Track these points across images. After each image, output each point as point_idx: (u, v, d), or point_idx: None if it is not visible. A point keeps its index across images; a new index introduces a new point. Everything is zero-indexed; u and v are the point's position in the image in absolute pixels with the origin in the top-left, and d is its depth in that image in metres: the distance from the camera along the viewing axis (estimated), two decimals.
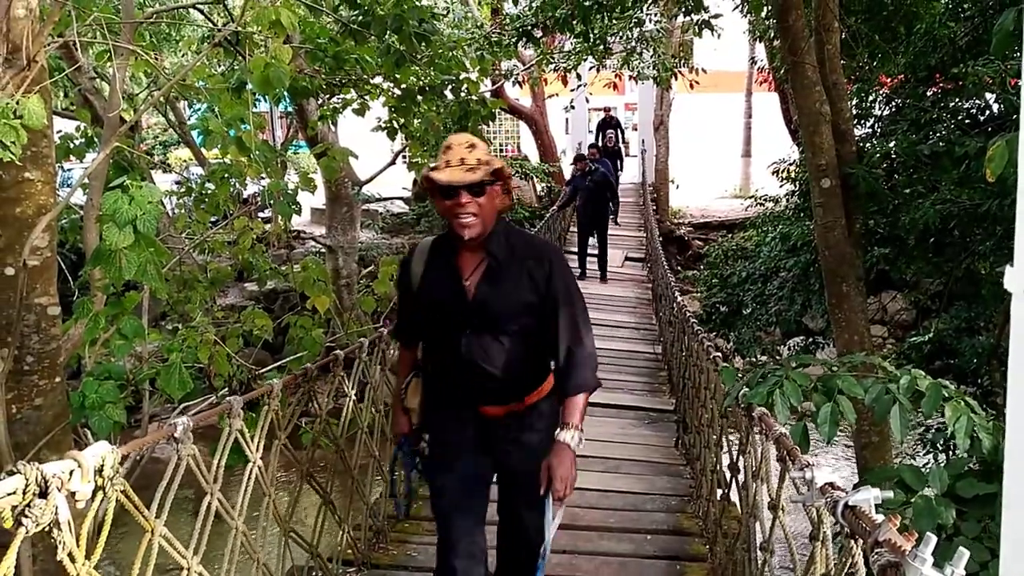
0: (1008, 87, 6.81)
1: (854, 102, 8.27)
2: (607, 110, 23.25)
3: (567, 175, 21.80)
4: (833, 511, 2.16)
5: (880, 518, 1.97)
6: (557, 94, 20.46)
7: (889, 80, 9.06)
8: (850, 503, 2.09)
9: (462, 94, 6.76)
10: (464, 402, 2.98)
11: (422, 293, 3.00)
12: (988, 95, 7.60)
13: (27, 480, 1.79)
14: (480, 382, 2.88)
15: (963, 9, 8.14)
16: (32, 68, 3.67)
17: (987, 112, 7.76)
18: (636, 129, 25.46)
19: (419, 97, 6.64)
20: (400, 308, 3.22)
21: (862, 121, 8.62)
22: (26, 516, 1.78)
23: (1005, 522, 1.06)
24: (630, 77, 16.53)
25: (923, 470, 3.44)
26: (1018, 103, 6.55)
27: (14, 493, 1.76)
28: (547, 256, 2.93)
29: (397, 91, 6.69)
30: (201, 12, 8.94)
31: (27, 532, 1.78)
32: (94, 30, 5.17)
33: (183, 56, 15.73)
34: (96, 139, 6.02)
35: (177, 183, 9.49)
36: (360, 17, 5.98)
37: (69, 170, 14.50)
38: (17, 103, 3.27)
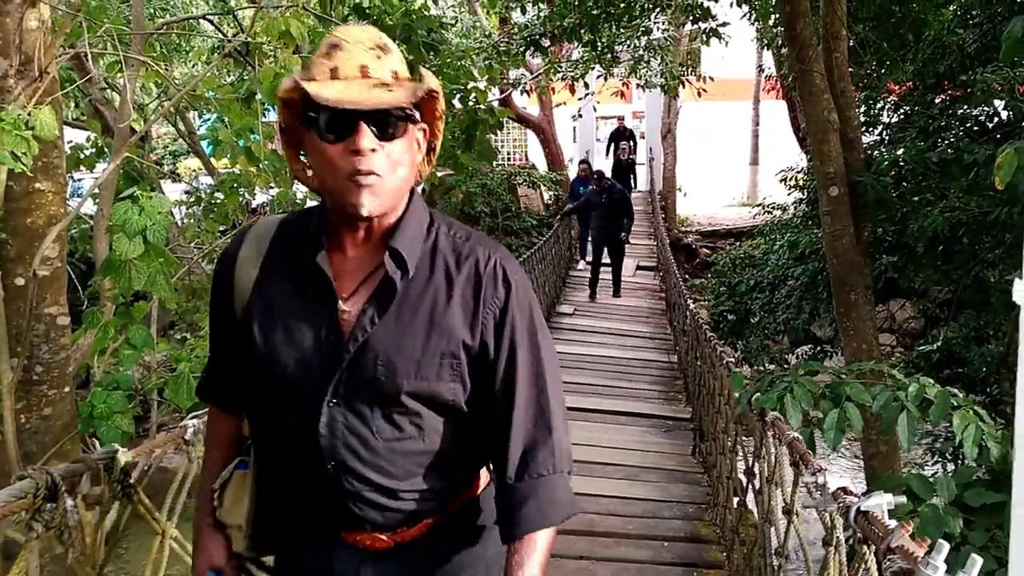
0: (1017, 94, 6.81)
1: (862, 109, 8.28)
2: (619, 119, 22.31)
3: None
4: (846, 516, 2.18)
5: (893, 524, 1.98)
6: (565, 103, 20.44)
7: (897, 87, 9.07)
8: (862, 508, 2.11)
9: (470, 103, 6.78)
10: (324, 527, 1.65)
11: (252, 320, 1.62)
12: (997, 102, 7.60)
13: (37, 484, 1.82)
14: (349, 498, 1.57)
15: (972, 16, 8.14)
16: (44, 79, 3.75)
17: (996, 119, 7.74)
18: (644, 137, 25.32)
19: None
20: (212, 343, 1.81)
21: (870, 129, 8.63)
22: (36, 520, 1.81)
23: (1014, 532, 1.08)
24: (637, 85, 16.56)
25: (931, 479, 3.44)
26: None
27: (25, 497, 1.79)
28: (501, 271, 1.61)
29: None
30: (211, 23, 9.01)
31: (37, 535, 1.81)
32: (105, 41, 5.20)
33: (193, 67, 15.81)
34: (107, 149, 6.08)
35: (186, 193, 9.54)
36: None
37: (79, 180, 14.56)
38: (29, 114, 3.29)
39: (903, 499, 2.25)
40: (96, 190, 5.00)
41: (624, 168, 19.59)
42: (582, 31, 9.04)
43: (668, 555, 4.80)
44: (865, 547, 2.09)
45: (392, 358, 1.53)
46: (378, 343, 1.53)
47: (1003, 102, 7.44)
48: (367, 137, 1.44)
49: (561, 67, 14.23)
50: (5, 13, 3.70)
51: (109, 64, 6.76)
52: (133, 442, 4.38)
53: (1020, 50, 3.77)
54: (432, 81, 1.55)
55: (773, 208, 14.31)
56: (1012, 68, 6.50)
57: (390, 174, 1.49)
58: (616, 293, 13.69)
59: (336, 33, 1.53)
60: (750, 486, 4.08)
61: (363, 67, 1.47)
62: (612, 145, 20.93)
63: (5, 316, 3.84)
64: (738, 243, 19.23)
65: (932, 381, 3.42)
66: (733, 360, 5.04)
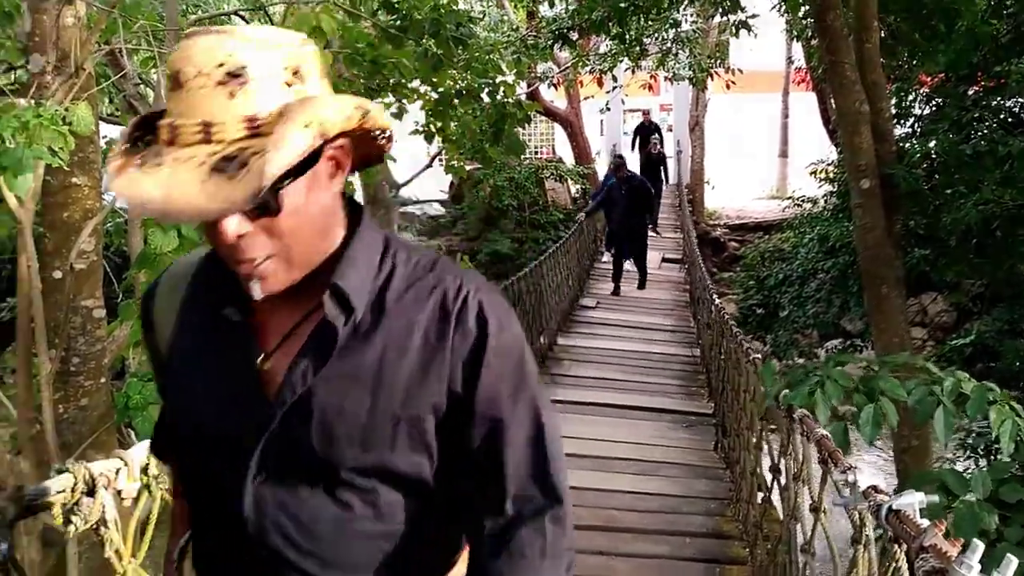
0: None
1: (893, 101, 8.16)
2: (645, 113, 21.77)
3: (601, 176, 21.78)
4: (877, 515, 2.14)
5: (925, 523, 1.94)
6: (592, 96, 20.37)
7: (929, 79, 8.94)
8: (894, 507, 2.06)
9: (498, 97, 6.76)
10: None
11: (169, 379, 1.38)
12: None
13: (76, 479, 1.82)
14: None
15: (1006, 5, 8.01)
16: (80, 75, 3.77)
17: None
18: (671, 130, 25.17)
19: (456, 101, 6.66)
20: (160, 392, 1.50)
21: (902, 121, 8.51)
22: (75, 514, 1.80)
23: None
24: (665, 78, 16.50)
25: (965, 475, 3.38)
26: None
27: (63, 491, 1.79)
28: (475, 306, 1.24)
29: (434, 95, 6.72)
30: (243, 19, 9.11)
31: (76, 529, 1.80)
32: (140, 37, 5.26)
33: None
34: None
35: None
36: (398, 22, 5.98)
37: None
38: (66, 110, 3.30)
39: (935, 498, 2.20)
40: None
41: (654, 162, 18.77)
42: (610, 24, 8.97)
43: (689, 551, 4.77)
44: (896, 546, 2.05)
45: (331, 423, 1.18)
46: (313, 405, 1.19)
47: None
48: (229, 223, 1.07)
49: (589, 60, 14.15)
50: (42, 10, 3.75)
51: (143, 60, 6.87)
52: None
53: None
54: (339, 110, 1.10)
55: (803, 201, 14.17)
56: None
57: (287, 239, 1.12)
58: (641, 286, 13.56)
59: (178, 48, 1.09)
60: (775, 483, 4.03)
61: (205, 125, 1.03)
62: (637, 139, 20.51)
63: (43, 309, 3.86)
64: (767, 236, 19.10)
65: (967, 375, 3.35)
66: (760, 356, 4.97)
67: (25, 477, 3.91)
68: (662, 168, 19.19)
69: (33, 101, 3.30)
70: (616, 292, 13.27)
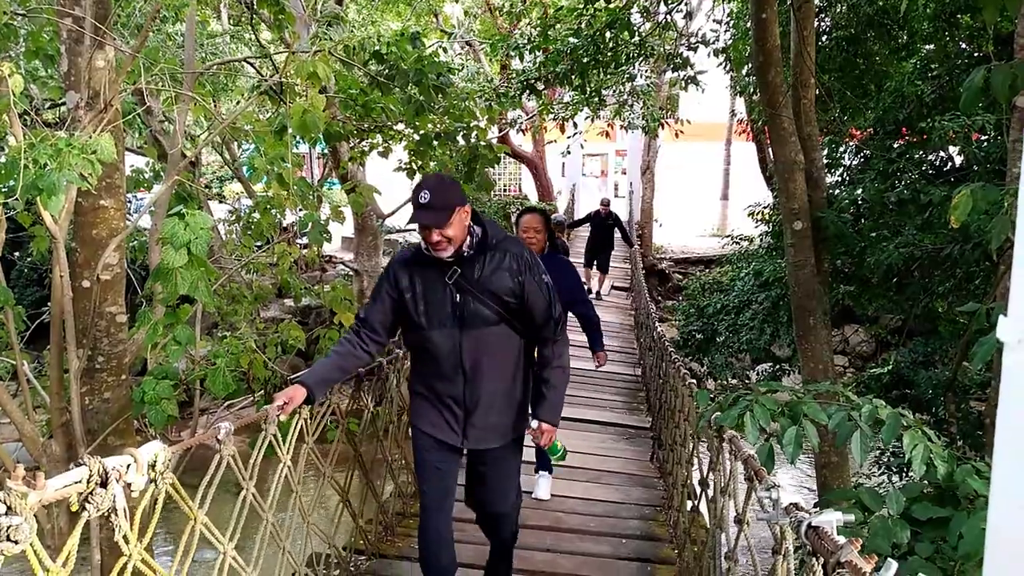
0: (971, 141, 6.75)
1: (826, 152, 8.22)
2: (604, 204, 15.05)
3: (560, 210, 21.83)
4: (797, 530, 2.06)
5: (842, 540, 1.87)
6: (555, 140, 20.49)
7: (859, 133, 9.02)
8: (813, 524, 1.99)
9: (472, 140, 6.81)
10: None
11: None
12: (951, 148, 7.55)
13: (91, 471, 1.95)
14: None
15: (931, 69, 8.11)
16: (108, 111, 4.03)
17: (950, 164, 7.70)
18: (625, 173, 25.36)
19: (435, 142, 6.77)
20: None
21: (833, 170, 8.57)
22: (89, 502, 1.94)
23: (987, 561, 0.98)
24: (621, 126, 16.56)
25: (880, 491, 3.34)
26: (980, 156, 6.49)
27: (80, 482, 1.93)
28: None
29: (416, 136, 6.82)
30: (251, 65, 9.15)
31: (89, 516, 1.94)
32: (162, 79, 5.48)
33: (237, 103, 15.94)
34: (162, 173, 6.43)
35: (229, 212, 9.90)
36: (386, 71, 6.15)
37: (141, 198, 14.77)
38: (93, 140, 3.46)
39: (851, 517, 2.12)
40: (151, 207, 5.27)
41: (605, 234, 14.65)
42: (573, 77, 9.04)
43: (625, 551, 4.78)
44: (815, 559, 1.99)
45: None
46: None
47: (957, 148, 7.39)
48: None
49: (553, 109, 14.25)
50: (77, 54, 4.02)
51: (165, 99, 6.95)
52: (178, 423, 5.24)
53: (979, 100, 3.69)
54: None
55: (741, 239, 14.27)
56: (969, 117, 6.44)
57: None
58: (598, 296, 14.20)
59: None
60: (703, 494, 4.02)
61: None
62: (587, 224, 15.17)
63: (73, 313, 4.19)
64: (708, 270, 19.25)
65: (884, 403, 3.31)
66: (694, 380, 4.95)
67: (56, 458, 4.32)
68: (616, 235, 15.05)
69: (67, 133, 3.54)
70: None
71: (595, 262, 14.81)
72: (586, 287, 13.23)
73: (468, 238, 2.99)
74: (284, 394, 3.02)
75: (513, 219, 20.70)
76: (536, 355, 3.22)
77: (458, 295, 2.99)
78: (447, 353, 3.04)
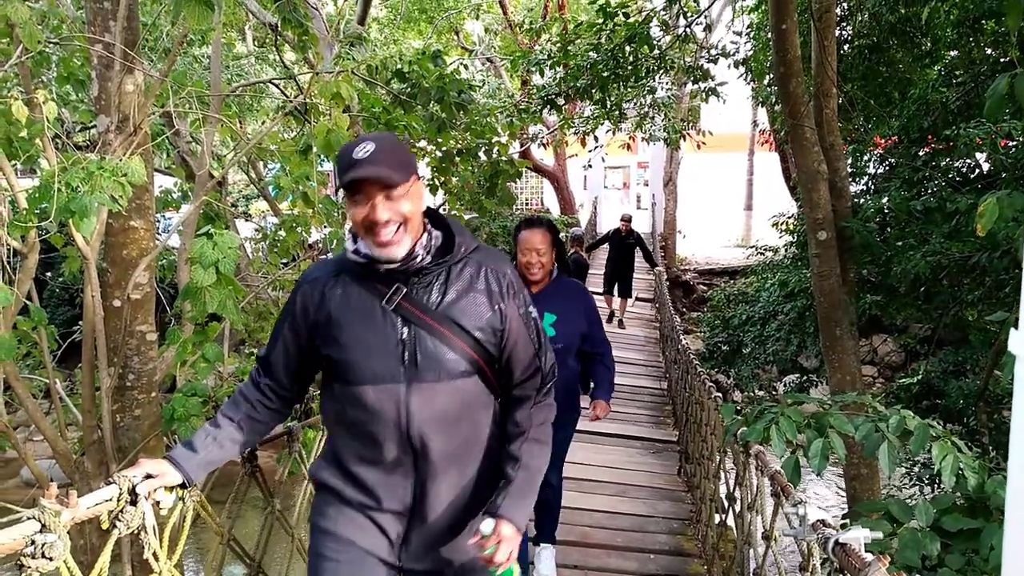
0: (998, 147, 6.67)
1: (850, 161, 8.16)
2: (625, 222, 13.12)
3: (583, 223, 21.81)
4: (824, 547, 2.04)
5: (869, 557, 1.85)
6: (576, 154, 20.50)
7: (883, 141, 8.95)
8: (841, 540, 1.97)
9: (493, 155, 6.86)
10: None
11: None
12: (979, 155, 7.46)
13: (121, 490, 1.97)
14: None
15: (955, 76, 8.04)
16: (138, 134, 4.08)
17: (977, 171, 7.61)
18: (647, 185, 25.31)
19: (457, 158, 6.81)
20: None
21: (857, 179, 8.50)
22: (119, 520, 1.97)
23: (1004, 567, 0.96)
24: (643, 139, 16.53)
25: (909, 503, 3.30)
26: (1008, 162, 6.41)
27: (110, 500, 1.96)
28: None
29: (438, 153, 6.87)
30: (276, 87, 9.32)
31: (120, 534, 1.97)
32: (189, 102, 5.60)
33: (262, 123, 16.19)
34: (190, 193, 6.52)
35: (256, 230, 10.00)
36: (408, 89, 6.18)
37: (169, 218, 15.00)
38: (123, 163, 3.51)
39: (879, 534, 2.10)
40: (180, 227, 5.34)
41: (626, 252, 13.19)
42: (593, 91, 9.07)
43: (653, 567, 4.72)
44: None
45: None
46: None
47: (984, 155, 7.31)
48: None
49: (574, 123, 14.25)
50: (107, 78, 4.08)
51: (193, 121, 7.09)
52: None
53: (1004, 106, 3.65)
54: None
55: (765, 250, 14.18)
56: (994, 123, 6.36)
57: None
58: (620, 325, 13.48)
59: None
60: (731, 509, 3.97)
61: None
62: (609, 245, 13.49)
63: (104, 332, 4.21)
64: (732, 281, 19.13)
65: (912, 413, 3.27)
66: (720, 393, 4.92)
67: (89, 475, 4.34)
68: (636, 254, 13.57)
69: (98, 156, 3.55)
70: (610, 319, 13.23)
71: (616, 285, 13.23)
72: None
73: (424, 237, 2.01)
74: (144, 470, 2.04)
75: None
76: (505, 421, 2.14)
77: (405, 328, 1.96)
78: (386, 421, 1.97)
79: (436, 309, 1.97)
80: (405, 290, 1.97)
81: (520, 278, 3.38)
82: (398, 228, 1.90)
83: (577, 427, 3.97)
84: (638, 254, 13.18)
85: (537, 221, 3.69)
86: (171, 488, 2.08)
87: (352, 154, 1.85)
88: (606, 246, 13.46)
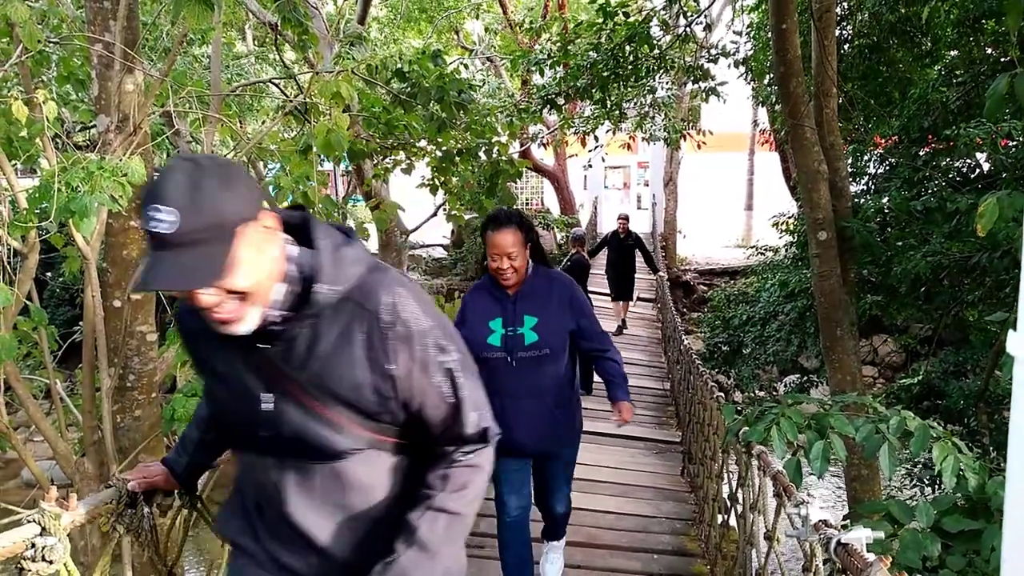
0: (998, 147, 6.67)
1: (850, 161, 8.16)
2: (622, 221, 12.44)
3: (583, 223, 21.82)
4: (826, 547, 2.05)
5: (872, 557, 1.85)
6: (576, 154, 20.51)
7: (883, 141, 8.95)
8: (843, 541, 1.97)
9: (494, 155, 6.86)
10: None
11: None
12: (979, 155, 7.46)
13: (120, 492, 2.00)
14: None
15: (956, 76, 8.04)
16: (137, 133, 4.09)
17: (977, 171, 7.62)
18: (647, 185, 25.32)
19: (457, 158, 6.78)
20: None
21: (857, 179, 8.50)
22: (119, 522, 2.01)
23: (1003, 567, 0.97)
24: (643, 138, 16.53)
25: (910, 504, 3.31)
26: (1008, 162, 6.41)
27: (110, 503, 1.99)
28: None
29: (439, 153, 6.86)
30: (276, 86, 9.36)
31: (120, 535, 2.00)
32: (189, 101, 5.61)
33: (262, 123, 16.22)
34: None
35: None
36: (408, 89, 6.15)
37: None
38: (123, 163, 3.52)
39: (881, 533, 2.10)
40: None
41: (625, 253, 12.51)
42: (593, 91, 9.07)
43: (657, 567, 4.72)
44: None
45: None
46: None
47: (984, 155, 7.31)
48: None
49: (574, 123, 14.25)
50: (107, 79, 4.08)
51: (192, 120, 7.11)
52: None
53: (1004, 106, 3.65)
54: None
55: (765, 250, 14.19)
56: (995, 123, 6.36)
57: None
58: (623, 325, 13.09)
59: None
60: (733, 509, 3.98)
61: None
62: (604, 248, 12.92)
63: (105, 333, 4.21)
64: (733, 281, 19.13)
65: (912, 414, 3.26)
66: (722, 392, 4.92)
67: (89, 476, 4.33)
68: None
69: (98, 156, 3.55)
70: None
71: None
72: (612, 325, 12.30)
73: (283, 288, 1.50)
74: (139, 472, 2.02)
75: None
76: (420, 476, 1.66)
77: (270, 398, 1.55)
78: (270, 499, 1.64)
79: (303, 374, 1.52)
80: (268, 349, 1.52)
81: (494, 280, 3.25)
82: (235, 306, 1.42)
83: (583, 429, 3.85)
84: (639, 256, 12.53)
85: (506, 218, 3.19)
86: (168, 491, 2.06)
87: (149, 224, 1.31)
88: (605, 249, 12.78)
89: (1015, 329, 1.03)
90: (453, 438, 1.64)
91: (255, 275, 1.41)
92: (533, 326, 3.25)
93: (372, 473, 1.63)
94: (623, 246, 12.29)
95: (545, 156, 22.88)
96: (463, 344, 1.66)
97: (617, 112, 11.00)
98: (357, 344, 1.51)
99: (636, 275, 12.92)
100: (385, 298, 1.52)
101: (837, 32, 7.95)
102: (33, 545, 1.75)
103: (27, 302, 4.27)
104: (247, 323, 1.44)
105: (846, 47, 8.86)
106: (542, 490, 3.68)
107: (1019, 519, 0.90)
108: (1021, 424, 0.93)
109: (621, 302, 12.80)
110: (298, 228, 1.57)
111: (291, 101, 6.08)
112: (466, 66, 16.63)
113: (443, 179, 7.04)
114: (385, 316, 1.52)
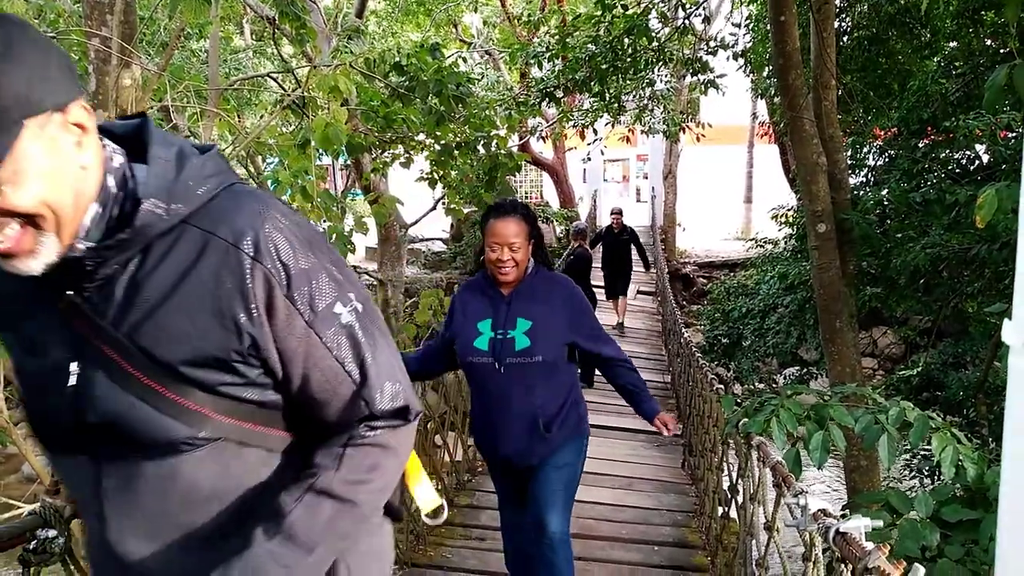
0: (998, 139, 6.67)
1: (849, 153, 8.15)
2: (615, 214, 12.50)
3: (583, 216, 21.83)
4: (825, 536, 2.06)
5: (870, 546, 1.87)
6: (575, 147, 20.51)
7: (882, 133, 8.95)
8: (841, 530, 1.99)
9: (492, 149, 6.85)
10: None
11: None
12: (978, 146, 7.46)
13: None
14: None
15: (955, 67, 8.04)
16: None
17: (976, 162, 7.61)
18: (647, 178, 25.33)
19: (456, 152, 6.78)
20: None
21: (856, 171, 8.50)
22: None
23: (998, 559, 0.98)
24: (642, 131, 16.54)
25: (909, 494, 3.33)
26: (1007, 154, 6.41)
27: None
28: None
29: (437, 146, 6.84)
30: (274, 80, 9.39)
31: None
32: (187, 96, 5.51)
33: (260, 117, 16.20)
34: None
35: None
36: (407, 82, 6.16)
37: None
38: None
39: (879, 522, 2.12)
40: None
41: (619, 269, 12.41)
42: (592, 83, 9.08)
43: (658, 558, 4.74)
44: (843, 566, 1.99)
45: None
46: None
47: (984, 146, 7.31)
48: None
49: (573, 116, 14.25)
50: (105, 73, 4.05)
51: (190, 115, 7.07)
52: None
53: (1003, 97, 3.65)
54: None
55: (765, 242, 14.18)
56: (994, 115, 6.36)
57: None
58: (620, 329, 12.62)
59: None
60: (734, 500, 3.99)
61: None
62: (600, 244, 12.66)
63: None
64: (732, 274, 19.14)
65: (912, 405, 3.28)
66: (721, 384, 4.94)
67: None
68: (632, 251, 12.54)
69: None
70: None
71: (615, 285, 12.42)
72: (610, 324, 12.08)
73: (95, 210, 1.08)
74: None
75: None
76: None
77: (77, 364, 1.11)
78: (91, 526, 1.21)
79: (121, 327, 1.08)
80: (75, 297, 1.09)
81: (488, 277, 3.00)
82: (19, 232, 1.01)
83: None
84: (634, 251, 12.31)
85: (511, 207, 2.98)
86: None
87: None
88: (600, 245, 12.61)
89: (1010, 319, 1.04)
90: (357, 418, 1.20)
91: (50, 188, 1.00)
92: (526, 330, 2.96)
93: (227, 476, 1.15)
94: (618, 241, 12.11)
95: (544, 149, 22.90)
96: (364, 291, 1.24)
97: (616, 105, 10.99)
98: (201, 286, 1.07)
99: (633, 270, 12.79)
100: (247, 223, 1.10)
101: (836, 24, 7.94)
102: (35, 538, 1.76)
103: None
104: (40, 257, 1.03)
105: (845, 39, 8.85)
106: (532, 499, 3.14)
107: (1013, 506, 0.90)
108: (1016, 413, 0.94)
109: (619, 299, 12.59)
110: (132, 139, 1.14)
111: (289, 95, 6.08)
112: (464, 59, 16.61)
113: (442, 173, 7.04)
114: (246, 248, 1.09)
